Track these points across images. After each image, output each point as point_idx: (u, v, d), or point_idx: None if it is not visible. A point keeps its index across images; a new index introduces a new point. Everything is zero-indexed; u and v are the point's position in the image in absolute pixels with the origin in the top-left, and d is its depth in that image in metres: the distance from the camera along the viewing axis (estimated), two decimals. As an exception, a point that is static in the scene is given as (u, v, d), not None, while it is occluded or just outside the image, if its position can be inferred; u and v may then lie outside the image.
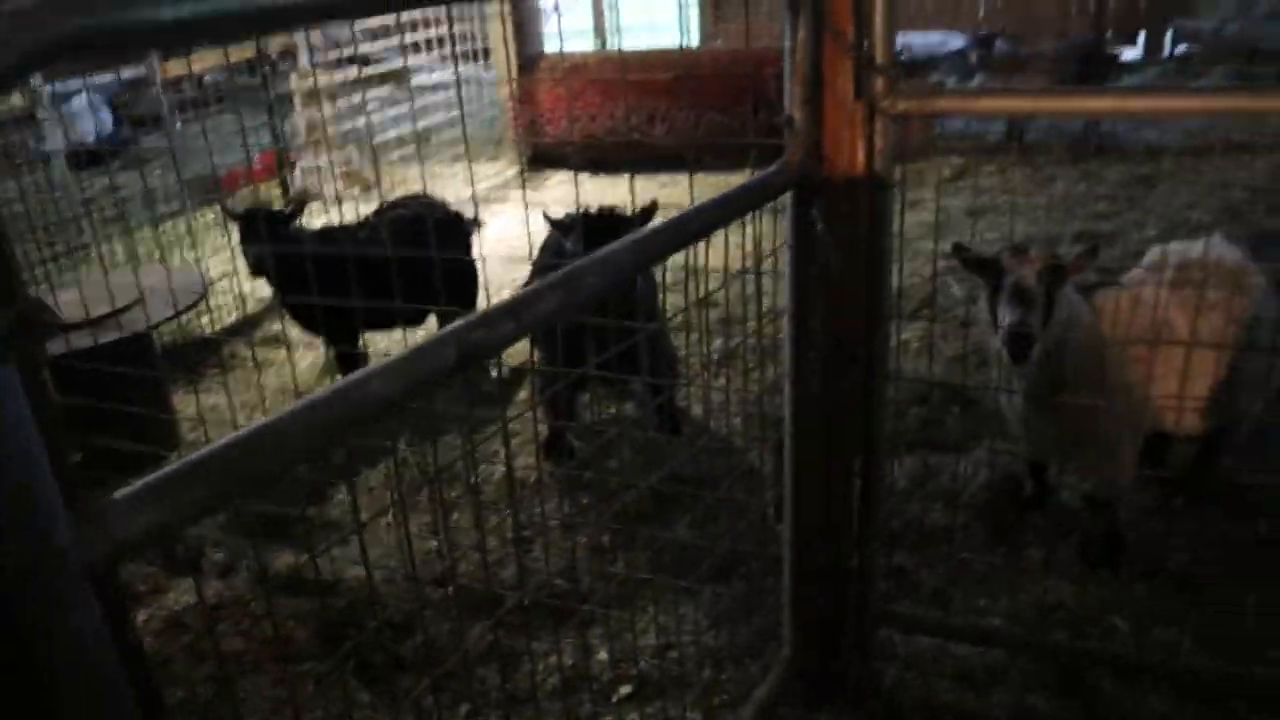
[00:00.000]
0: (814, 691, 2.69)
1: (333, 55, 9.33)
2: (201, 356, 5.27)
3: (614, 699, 2.81)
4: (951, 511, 3.47)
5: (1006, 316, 2.72)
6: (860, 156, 2.24)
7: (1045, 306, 2.74)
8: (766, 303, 2.48)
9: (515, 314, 1.39)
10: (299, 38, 9.85)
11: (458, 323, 1.30)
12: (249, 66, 10.74)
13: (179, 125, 9.19)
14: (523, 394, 4.82)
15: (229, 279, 5.65)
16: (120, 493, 0.95)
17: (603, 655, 2.96)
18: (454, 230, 4.73)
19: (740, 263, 2.30)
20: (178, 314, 4.32)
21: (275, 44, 10.28)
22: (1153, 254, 3.36)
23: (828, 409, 2.38)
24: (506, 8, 7.92)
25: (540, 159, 8.94)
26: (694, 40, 13.04)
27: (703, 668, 2.86)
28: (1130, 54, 12.14)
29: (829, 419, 2.39)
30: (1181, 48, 11.77)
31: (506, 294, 1.77)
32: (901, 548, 3.30)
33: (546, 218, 3.85)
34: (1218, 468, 3.55)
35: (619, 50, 9.32)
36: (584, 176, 8.23)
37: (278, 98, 8.63)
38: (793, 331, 2.32)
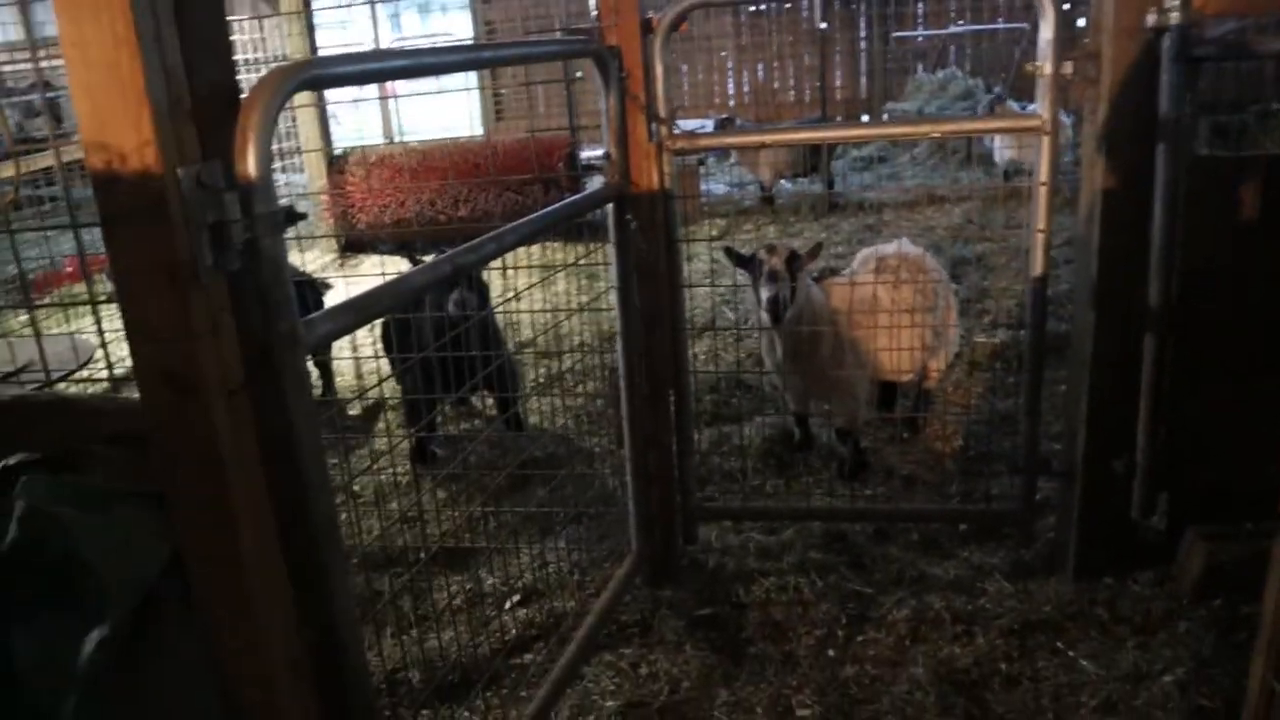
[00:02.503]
0: (657, 575, 3.66)
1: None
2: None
3: (507, 606, 3.68)
4: (742, 459, 4.57)
5: (765, 292, 3.86)
6: (655, 178, 3.32)
7: (790, 284, 3.90)
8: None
9: (473, 251, 2.35)
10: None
11: (450, 251, 2.25)
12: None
13: None
14: (380, 424, 5.62)
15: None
16: (317, 314, 1.84)
17: (492, 581, 3.83)
18: (314, 288, 5.55)
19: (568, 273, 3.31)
20: (75, 370, 4.91)
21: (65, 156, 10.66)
22: (862, 254, 4.63)
23: (647, 354, 3.41)
24: (315, 113, 8.81)
25: (351, 246, 9.74)
26: (480, 132, 14.20)
27: (572, 574, 3.78)
28: (857, 132, 14.21)
29: (649, 360, 3.42)
30: (897, 126, 13.87)
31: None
32: (709, 484, 4.36)
33: (414, 262, 4.77)
34: (929, 406, 4.82)
35: (422, 141, 10.25)
36: (397, 258, 9.11)
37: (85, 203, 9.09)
38: (620, 300, 3.35)
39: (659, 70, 3.25)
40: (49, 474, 1.75)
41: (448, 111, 15.59)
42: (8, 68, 12.85)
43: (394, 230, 9.33)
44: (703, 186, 10.89)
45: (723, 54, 15.22)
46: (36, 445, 1.81)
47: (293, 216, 1.76)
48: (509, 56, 2.82)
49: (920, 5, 14.77)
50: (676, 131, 3.35)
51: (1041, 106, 3.14)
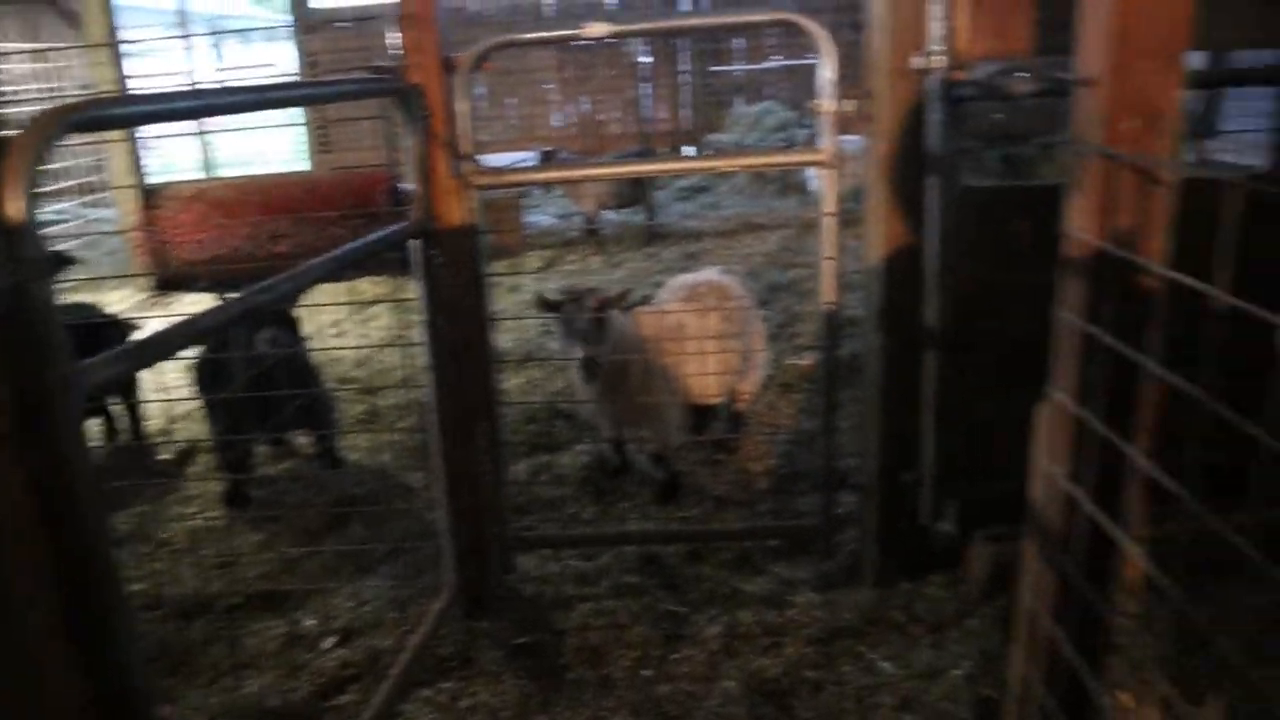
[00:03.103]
0: (474, 607, 3.67)
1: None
2: None
3: (325, 646, 3.62)
4: (561, 487, 4.63)
5: (579, 351, 3.94)
6: (459, 214, 3.36)
7: (600, 328, 4.00)
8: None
9: (268, 290, 2.34)
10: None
11: (245, 290, 2.24)
12: None
13: None
14: (193, 468, 5.44)
15: None
16: (94, 359, 1.81)
17: (309, 622, 3.76)
18: (118, 328, 5.32)
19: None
20: None
21: None
22: (670, 282, 4.78)
23: (457, 387, 3.44)
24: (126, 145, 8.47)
25: (167, 284, 9.37)
26: (307, 166, 13.92)
27: (391, 611, 3.75)
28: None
29: (460, 393, 3.45)
30: (719, 158, 14.29)
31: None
32: (528, 514, 4.40)
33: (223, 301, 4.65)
34: (741, 428, 5.00)
35: (239, 176, 9.96)
36: (214, 296, 8.83)
37: None
38: (429, 334, 3.37)
39: (462, 108, 3.30)
40: None
41: (273, 144, 15.22)
42: None
43: (211, 268, 9.04)
44: (528, 218, 10.97)
45: (547, 86, 15.37)
46: None
47: (61, 260, 1.75)
48: (305, 96, 2.81)
49: (737, 41, 15.30)
50: (482, 167, 3.41)
51: (825, 141, 3.34)
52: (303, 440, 5.26)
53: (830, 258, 3.44)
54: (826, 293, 3.49)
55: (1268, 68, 3.30)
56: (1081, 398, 1.96)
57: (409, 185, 3.30)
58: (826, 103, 3.31)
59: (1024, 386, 3.41)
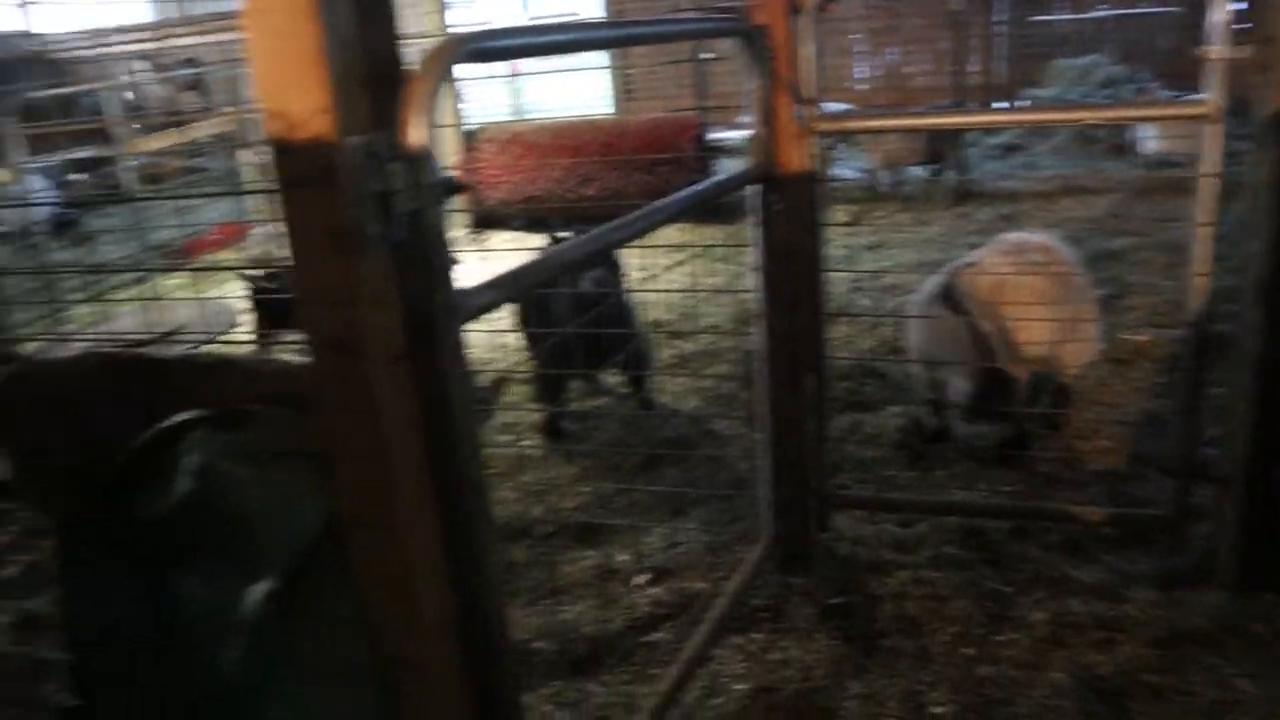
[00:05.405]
0: (789, 561, 3.61)
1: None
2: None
3: (636, 583, 3.69)
4: (875, 448, 4.48)
5: None
6: (799, 161, 3.26)
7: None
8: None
9: (622, 228, 2.34)
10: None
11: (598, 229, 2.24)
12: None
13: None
14: (508, 397, 5.68)
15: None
16: (473, 285, 1.85)
17: (622, 557, 3.84)
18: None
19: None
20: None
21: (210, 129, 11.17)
22: (995, 240, 4.49)
23: (789, 337, 3.37)
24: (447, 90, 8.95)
25: (482, 222, 9.89)
26: (611, 112, 14.29)
27: (703, 556, 3.77)
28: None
29: (790, 344, 3.37)
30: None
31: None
32: (841, 473, 4.28)
33: (554, 239, 4.82)
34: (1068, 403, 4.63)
35: (552, 120, 10.31)
36: (526, 235, 9.23)
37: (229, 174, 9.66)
38: (765, 283, 3.30)
39: (806, 50, 3.19)
40: (215, 431, 1.81)
41: (574, 90, 15.67)
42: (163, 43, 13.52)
43: (524, 207, 9.43)
44: (830, 171, 10.72)
45: (853, 37, 14.91)
46: (201, 404, 1.86)
47: (454, 188, 1.78)
48: (659, 34, 2.78)
49: (1066, -12, 14.24)
50: (824, 113, 3.29)
51: (1211, 93, 2.97)
52: (614, 380, 5.38)
53: (1207, 224, 3.07)
54: (1200, 263, 3.13)
55: None
56: None
57: (715, 133, 3.24)
58: (1217, 49, 2.93)
59: None
